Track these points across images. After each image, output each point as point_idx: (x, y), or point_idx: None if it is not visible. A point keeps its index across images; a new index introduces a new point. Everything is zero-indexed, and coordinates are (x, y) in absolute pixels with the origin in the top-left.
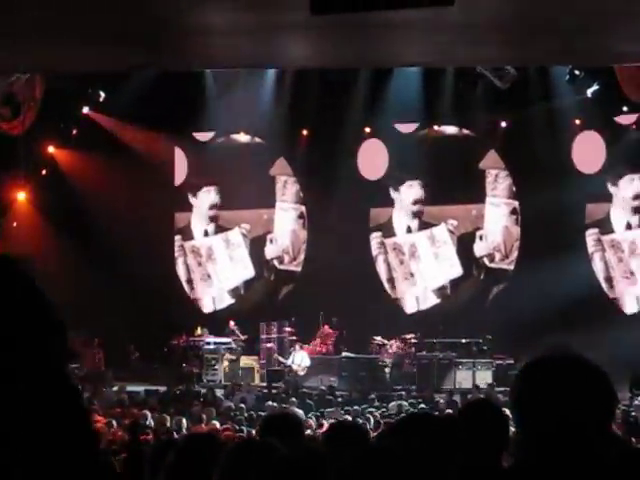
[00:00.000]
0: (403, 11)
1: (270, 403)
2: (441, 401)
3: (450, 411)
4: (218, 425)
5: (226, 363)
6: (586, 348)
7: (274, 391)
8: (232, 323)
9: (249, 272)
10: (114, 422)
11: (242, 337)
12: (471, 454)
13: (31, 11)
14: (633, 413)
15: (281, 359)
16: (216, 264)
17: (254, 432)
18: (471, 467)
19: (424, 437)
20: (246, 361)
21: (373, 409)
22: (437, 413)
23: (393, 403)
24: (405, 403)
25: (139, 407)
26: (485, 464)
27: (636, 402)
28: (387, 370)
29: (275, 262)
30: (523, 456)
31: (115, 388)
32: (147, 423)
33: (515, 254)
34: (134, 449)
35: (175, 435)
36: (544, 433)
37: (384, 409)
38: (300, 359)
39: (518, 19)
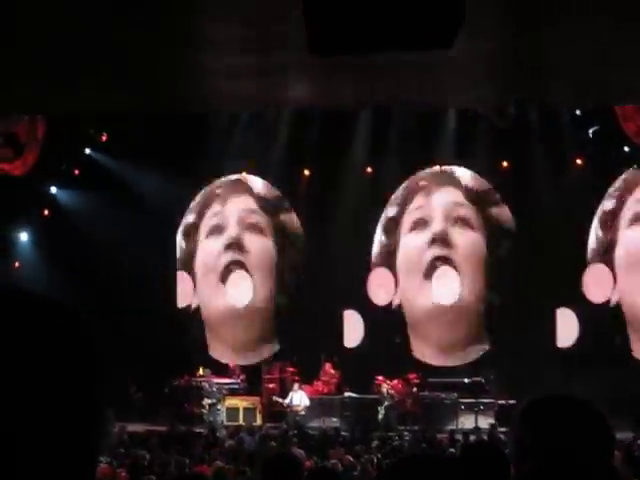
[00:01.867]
0: (402, 53)
1: (271, 444)
2: (444, 441)
3: (453, 451)
4: (220, 465)
5: (207, 405)
6: (589, 386)
7: (275, 432)
8: (231, 363)
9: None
10: (114, 462)
11: (242, 377)
12: None
13: (34, 53)
14: (636, 453)
15: (279, 400)
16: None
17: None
18: None
19: (424, 478)
20: (248, 401)
21: (375, 449)
22: (440, 453)
23: (395, 443)
24: (406, 444)
25: (141, 447)
26: None
27: (639, 442)
28: (384, 409)
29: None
30: None
31: (116, 428)
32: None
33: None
34: None
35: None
36: (543, 473)
37: (386, 449)
38: (299, 399)
39: (516, 61)
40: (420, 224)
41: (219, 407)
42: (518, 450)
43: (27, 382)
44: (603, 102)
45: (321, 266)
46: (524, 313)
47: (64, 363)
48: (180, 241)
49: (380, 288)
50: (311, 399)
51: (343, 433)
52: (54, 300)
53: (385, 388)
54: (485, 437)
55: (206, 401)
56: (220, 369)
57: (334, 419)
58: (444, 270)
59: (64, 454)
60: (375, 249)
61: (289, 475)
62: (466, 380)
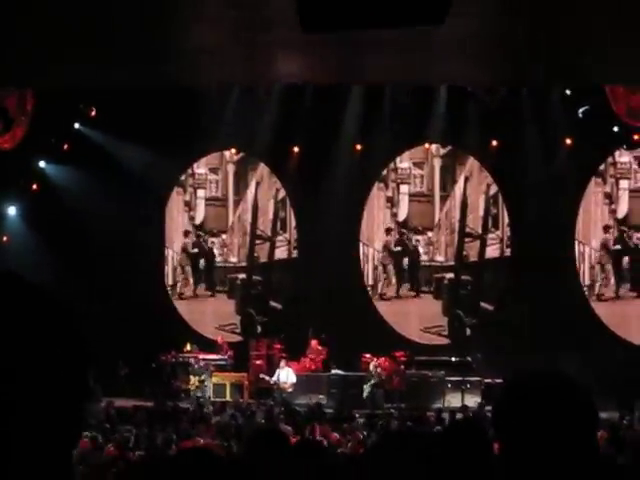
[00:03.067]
0: (394, 30)
1: (258, 420)
2: (431, 419)
3: (440, 428)
4: (204, 441)
5: (194, 381)
6: (575, 367)
7: (262, 408)
8: (220, 338)
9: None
10: (100, 437)
11: (230, 353)
12: (453, 473)
13: (29, 26)
14: (622, 433)
15: (266, 377)
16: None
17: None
18: None
19: (407, 455)
20: (235, 378)
21: (361, 427)
22: (425, 431)
23: (381, 421)
24: (393, 422)
25: (127, 423)
26: None
27: (624, 421)
28: (370, 387)
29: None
30: (506, 476)
31: (103, 404)
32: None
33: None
34: (123, 465)
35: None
36: (526, 452)
37: (372, 427)
38: (285, 376)
39: (506, 40)
40: None
41: (206, 383)
42: (501, 428)
43: (18, 363)
44: (591, 82)
45: (310, 242)
46: (510, 288)
47: (52, 347)
48: None
49: None
50: (298, 376)
51: (329, 410)
52: (41, 288)
53: (373, 366)
54: (471, 416)
55: (193, 377)
56: (207, 345)
57: (321, 396)
58: None
59: (51, 429)
60: None
61: (275, 448)
62: (453, 359)
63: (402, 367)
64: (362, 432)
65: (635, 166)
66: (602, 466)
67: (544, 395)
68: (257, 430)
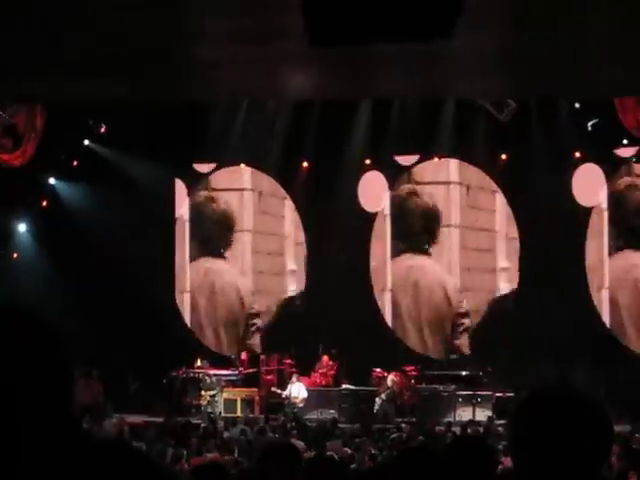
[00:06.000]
0: (401, 44)
1: (270, 435)
2: (448, 435)
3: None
4: (218, 456)
5: (205, 397)
6: (587, 380)
7: (274, 423)
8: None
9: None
10: None
11: (246, 371)
12: None
13: (35, 42)
14: (634, 447)
15: (278, 391)
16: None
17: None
18: None
19: (416, 472)
20: (245, 393)
21: (372, 442)
22: (437, 446)
23: (393, 436)
24: (404, 436)
25: (138, 439)
26: None
27: (637, 435)
28: (382, 401)
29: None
30: None
31: (114, 420)
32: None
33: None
34: None
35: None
36: (541, 469)
37: (384, 442)
38: (297, 391)
39: (515, 52)
40: None
41: (216, 399)
42: (515, 447)
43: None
44: (603, 96)
45: (319, 256)
46: (521, 303)
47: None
48: None
49: None
50: (309, 391)
51: (341, 425)
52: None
53: (390, 380)
54: (482, 430)
55: (203, 393)
56: (218, 360)
57: (332, 411)
58: None
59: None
60: None
61: (287, 461)
62: (464, 372)
63: (412, 381)
64: (374, 447)
65: None
66: None
67: (558, 412)
68: (269, 443)
